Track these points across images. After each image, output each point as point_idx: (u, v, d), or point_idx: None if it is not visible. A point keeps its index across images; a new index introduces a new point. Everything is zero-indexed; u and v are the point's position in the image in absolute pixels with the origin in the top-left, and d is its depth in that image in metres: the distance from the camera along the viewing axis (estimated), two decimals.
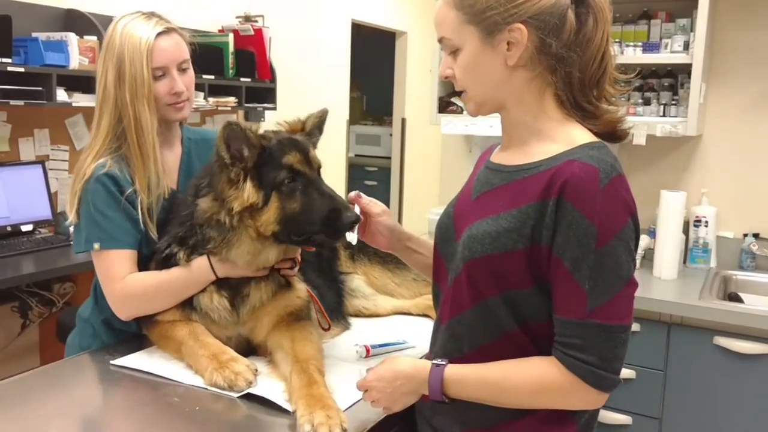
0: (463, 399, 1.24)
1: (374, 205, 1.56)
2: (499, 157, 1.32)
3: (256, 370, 1.52)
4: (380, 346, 1.71)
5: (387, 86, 6.35)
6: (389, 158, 6.51)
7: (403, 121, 6.20)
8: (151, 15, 1.72)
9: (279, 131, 1.62)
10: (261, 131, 1.58)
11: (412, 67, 6.13)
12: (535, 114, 1.24)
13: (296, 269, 1.68)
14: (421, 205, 5.89)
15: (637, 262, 1.22)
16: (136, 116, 1.66)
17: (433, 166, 5.30)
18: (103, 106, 1.69)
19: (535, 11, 1.18)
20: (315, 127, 1.67)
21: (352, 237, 1.51)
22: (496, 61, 1.21)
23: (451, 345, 1.29)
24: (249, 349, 1.68)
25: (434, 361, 1.26)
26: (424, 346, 1.66)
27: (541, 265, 1.16)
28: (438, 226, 1.38)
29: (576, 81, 1.22)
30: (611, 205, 1.12)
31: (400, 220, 6.31)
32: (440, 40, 1.27)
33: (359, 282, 2.01)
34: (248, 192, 1.49)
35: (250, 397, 1.44)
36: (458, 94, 3.31)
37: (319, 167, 1.58)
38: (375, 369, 1.33)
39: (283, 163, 1.50)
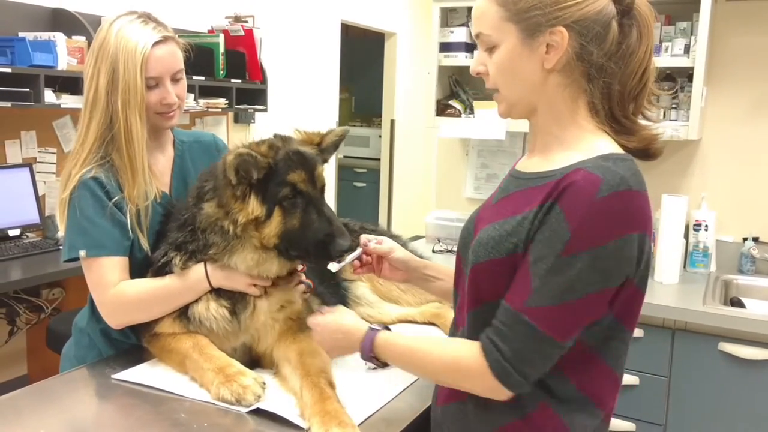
0: (390, 362, 1.32)
1: (382, 247, 1.57)
2: (523, 165, 1.30)
3: (264, 384, 1.47)
4: None
5: (376, 87, 6.31)
6: (378, 160, 6.48)
7: (393, 122, 6.18)
8: (147, 19, 1.65)
9: (290, 139, 1.58)
10: (272, 137, 1.55)
11: (402, 68, 6.10)
12: (564, 122, 1.21)
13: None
14: (412, 207, 5.87)
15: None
16: (126, 125, 1.59)
17: (425, 168, 5.27)
18: (93, 111, 1.62)
19: (580, 16, 1.14)
20: (332, 145, 1.64)
21: (332, 266, 1.53)
22: (533, 63, 1.18)
23: None
24: (252, 360, 1.63)
25: (372, 326, 1.35)
26: None
27: None
28: (461, 230, 1.37)
29: (615, 94, 1.18)
30: (601, 217, 1.07)
31: (389, 222, 6.27)
32: (477, 36, 1.23)
33: (364, 289, 1.97)
34: (252, 206, 1.48)
35: (259, 412, 1.39)
36: (456, 96, 3.29)
37: (323, 186, 1.56)
38: (327, 315, 1.43)
39: (288, 180, 1.49)
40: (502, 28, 1.18)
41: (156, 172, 1.73)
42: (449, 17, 3.18)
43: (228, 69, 3.97)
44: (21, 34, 3.07)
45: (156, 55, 1.61)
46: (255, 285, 1.57)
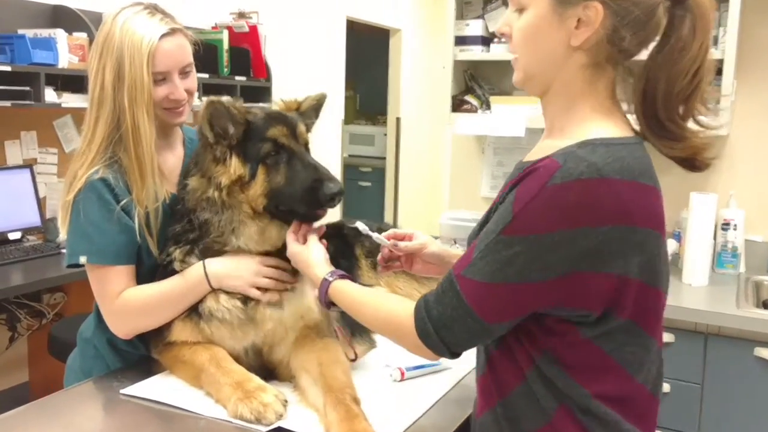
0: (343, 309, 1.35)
1: (413, 244, 1.49)
2: (528, 154, 1.22)
3: (286, 401, 1.37)
4: (415, 368, 1.57)
5: (381, 85, 6.22)
6: (384, 158, 6.39)
7: (398, 120, 6.08)
8: (154, 10, 1.56)
9: (267, 107, 1.56)
10: (247, 106, 1.51)
11: (407, 65, 6.01)
12: (575, 106, 1.11)
13: None
14: (419, 206, 5.77)
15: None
16: (134, 123, 1.50)
17: (432, 166, 5.17)
18: (100, 109, 1.53)
19: None
20: (311, 108, 1.65)
21: (360, 225, 1.51)
22: (560, 36, 1.08)
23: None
24: (267, 369, 1.53)
25: (327, 275, 1.34)
26: (460, 367, 1.54)
27: None
28: None
29: (661, 94, 1.08)
30: (545, 205, 1.01)
31: (395, 221, 6.18)
32: None
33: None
34: (234, 166, 1.45)
35: (280, 431, 1.29)
36: (471, 92, 3.18)
37: (306, 143, 1.55)
38: (309, 245, 1.42)
39: (268, 136, 1.47)
40: None
41: (165, 172, 1.64)
42: (464, 10, 3.08)
43: (232, 66, 3.89)
44: (20, 31, 2.98)
45: (163, 49, 1.53)
46: (258, 288, 1.48)
